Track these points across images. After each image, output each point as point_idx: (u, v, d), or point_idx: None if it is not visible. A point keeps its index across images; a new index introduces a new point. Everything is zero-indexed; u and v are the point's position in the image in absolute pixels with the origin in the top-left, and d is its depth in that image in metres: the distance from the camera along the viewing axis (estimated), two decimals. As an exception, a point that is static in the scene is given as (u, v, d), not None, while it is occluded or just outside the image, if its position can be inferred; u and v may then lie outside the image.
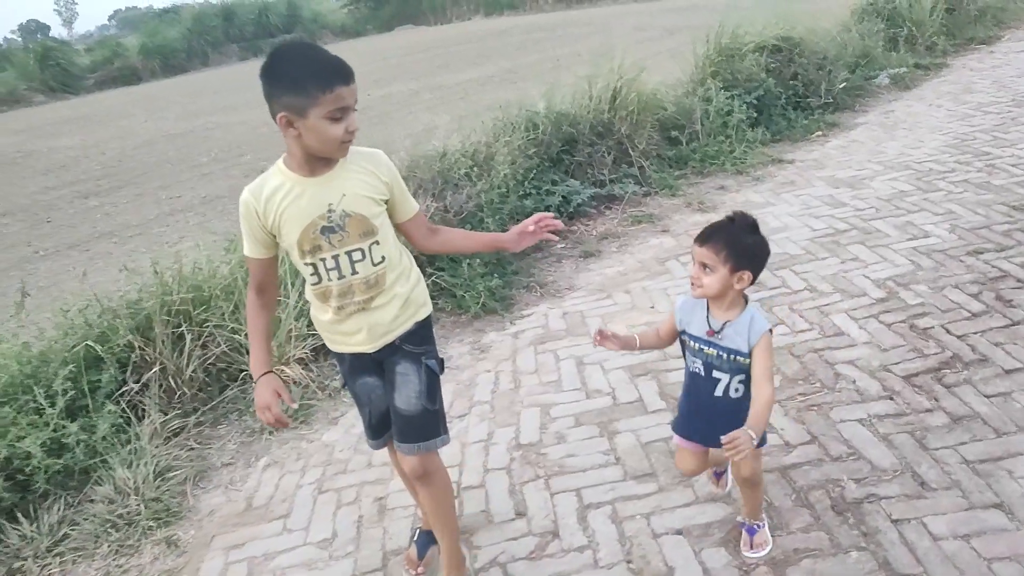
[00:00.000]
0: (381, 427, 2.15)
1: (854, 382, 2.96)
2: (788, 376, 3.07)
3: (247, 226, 1.87)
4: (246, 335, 3.49)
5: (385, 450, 2.28)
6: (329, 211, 1.82)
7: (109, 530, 2.77)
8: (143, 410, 3.32)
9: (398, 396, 2.02)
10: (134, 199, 9.82)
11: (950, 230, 4.14)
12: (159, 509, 2.84)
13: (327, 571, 2.45)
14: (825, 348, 3.22)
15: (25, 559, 2.69)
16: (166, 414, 3.33)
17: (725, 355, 1.95)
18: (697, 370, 2.03)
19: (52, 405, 3.00)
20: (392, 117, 10.75)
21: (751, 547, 2.21)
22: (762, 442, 1.92)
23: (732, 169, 5.67)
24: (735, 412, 1.93)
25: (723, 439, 1.74)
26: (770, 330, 1.93)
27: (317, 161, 1.80)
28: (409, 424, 2.03)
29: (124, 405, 3.26)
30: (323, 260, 1.87)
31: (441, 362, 2.13)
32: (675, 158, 5.83)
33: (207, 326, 3.57)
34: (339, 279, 1.89)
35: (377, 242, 1.89)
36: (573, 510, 2.53)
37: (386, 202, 1.92)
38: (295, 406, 2.16)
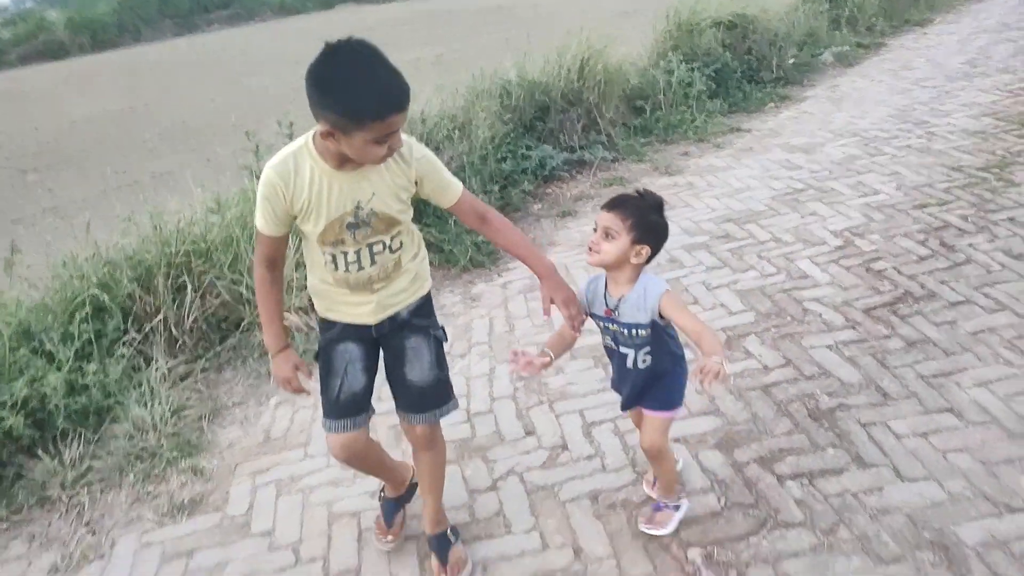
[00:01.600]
0: (347, 408, 1.99)
1: (820, 316, 3.28)
2: (761, 312, 3.38)
3: (269, 205, 1.76)
4: (246, 286, 3.65)
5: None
6: (357, 208, 1.76)
7: (133, 462, 2.89)
8: (148, 358, 3.42)
9: (411, 369, 2.01)
10: (77, 176, 9.60)
11: (897, 188, 4.52)
12: (179, 443, 2.97)
13: (354, 487, 2.63)
14: (793, 288, 3.54)
15: (52, 489, 2.79)
16: (172, 360, 3.43)
17: (626, 331, 1.95)
18: (609, 344, 2.06)
19: (67, 347, 3.08)
20: None
21: (647, 521, 2.23)
22: (672, 406, 2.04)
23: (694, 137, 5.99)
24: (649, 378, 2.01)
25: (693, 375, 1.76)
26: (668, 289, 1.91)
27: (351, 159, 1.71)
28: (424, 395, 2.03)
29: (131, 352, 3.35)
30: (344, 253, 1.83)
31: (445, 332, 2.12)
32: (640, 127, 6.12)
33: (205, 277, 3.67)
34: (358, 271, 1.86)
35: (400, 231, 1.87)
36: (578, 427, 2.78)
37: (414, 193, 1.86)
38: (312, 382, 2.05)
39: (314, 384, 2.05)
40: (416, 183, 1.83)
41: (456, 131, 4.85)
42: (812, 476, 2.40)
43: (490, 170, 4.86)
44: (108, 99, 16.36)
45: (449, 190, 1.89)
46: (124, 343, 3.39)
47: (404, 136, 1.73)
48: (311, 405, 3.16)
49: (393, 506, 2.36)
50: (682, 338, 2.08)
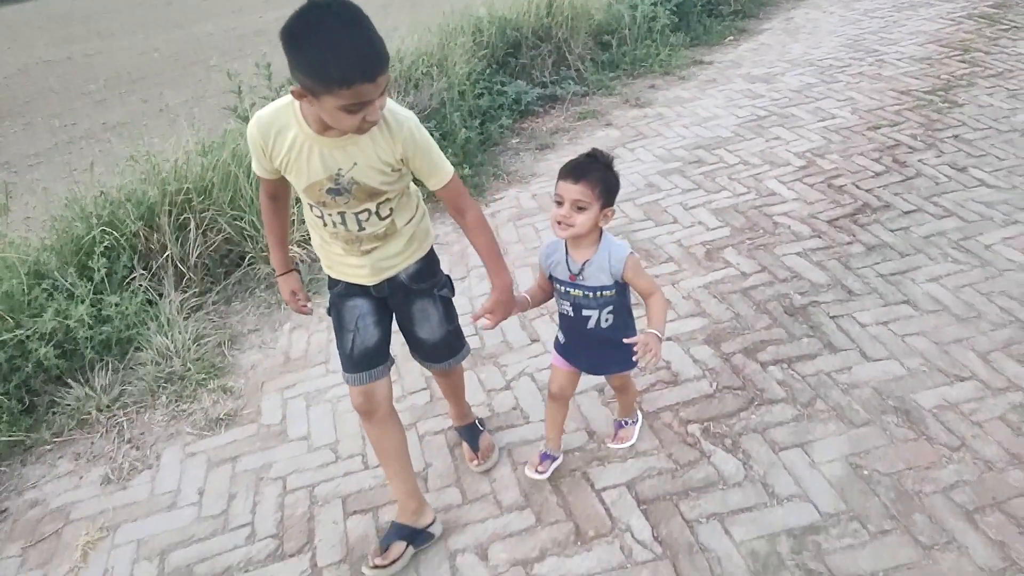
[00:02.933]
0: (363, 360, 1.99)
1: (789, 228, 3.59)
2: (736, 227, 3.67)
3: (253, 153, 1.79)
4: (247, 222, 3.79)
5: None
6: (338, 174, 1.72)
7: (163, 385, 3.08)
8: (158, 293, 3.56)
9: (420, 330, 2.06)
10: (23, 128, 9.36)
11: (852, 112, 4.83)
12: (205, 366, 3.16)
13: (379, 395, 2.87)
14: (763, 205, 3.84)
15: (88, 412, 2.97)
16: (184, 294, 3.58)
17: (591, 293, 1.96)
18: (566, 311, 2.04)
19: (89, 281, 3.22)
20: None
21: (614, 439, 2.45)
22: (633, 365, 1.96)
23: (660, 70, 6.19)
24: (609, 339, 2.02)
25: (632, 345, 1.84)
26: (632, 252, 1.93)
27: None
28: (436, 349, 2.12)
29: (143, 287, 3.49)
30: (329, 214, 1.82)
31: (449, 282, 2.12)
32: (608, 61, 6.29)
33: (206, 215, 3.79)
34: (345, 231, 1.84)
35: (387, 199, 1.81)
36: (579, 333, 3.05)
37: (403, 167, 1.78)
38: (309, 306, 2.12)
39: (312, 305, 2.15)
40: (403, 160, 1.74)
41: (434, 68, 4.96)
42: (790, 361, 2.72)
43: (468, 106, 5.00)
44: (41, 50, 15.70)
45: (435, 175, 1.80)
46: (134, 279, 3.52)
47: (402, 111, 1.71)
48: (325, 328, 3.36)
49: (395, 532, 2.14)
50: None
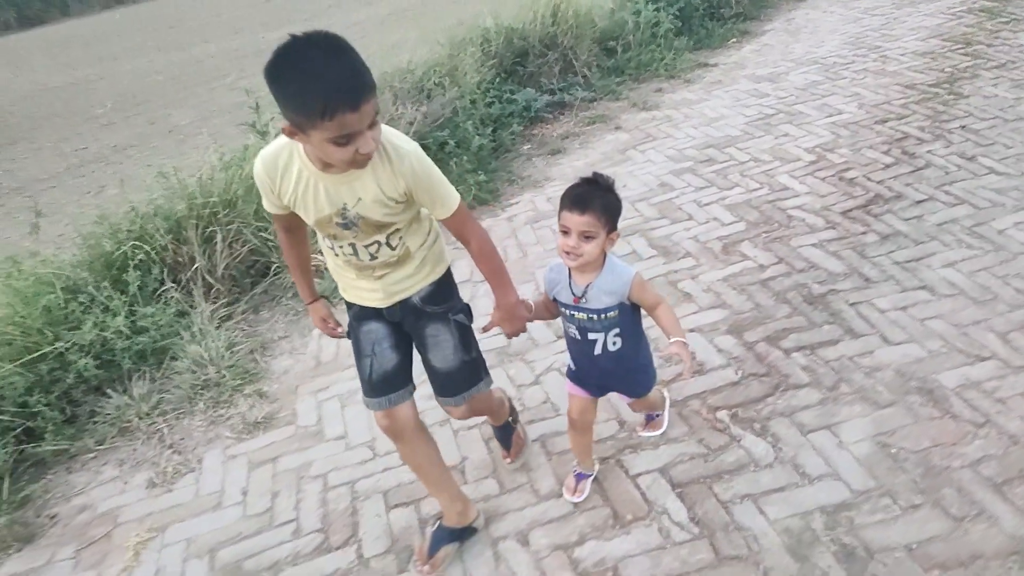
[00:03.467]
0: (382, 386, 1.98)
1: (803, 220, 3.66)
2: (751, 221, 3.74)
3: (262, 191, 1.80)
4: (271, 232, 3.88)
5: None
6: (344, 209, 1.72)
7: (200, 392, 3.16)
8: (189, 304, 3.64)
9: (433, 356, 1.99)
10: (33, 153, 9.52)
11: (859, 107, 4.91)
12: (239, 372, 3.24)
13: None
14: (776, 200, 3.91)
15: (129, 420, 3.05)
16: (214, 304, 3.67)
17: (596, 316, 1.93)
18: (573, 335, 2.02)
19: (122, 294, 3.31)
20: None
21: (645, 427, 2.50)
22: (651, 385, 2.16)
23: (665, 74, 6.28)
24: (618, 362, 2.01)
25: (664, 358, 1.96)
26: (637, 272, 1.93)
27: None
28: (450, 379, 2.02)
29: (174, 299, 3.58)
30: (340, 245, 1.83)
31: (467, 309, 2.05)
32: (613, 67, 6.38)
33: (231, 227, 3.88)
34: (357, 260, 1.85)
35: (396, 229, 1.81)
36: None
37: (407, 200, 1.76)
38: (341, 330, 2.12)
39: (343, 329, 2.12)
40: (406, 194, 1.73)
41: (446, 78, 5.06)
42: (813, 347, 2.79)
43: (480, 114, 5.09)
44: (46, 75, 15.94)
45: (440, 206, 1.77)
46: (165, 292, 3.62)
47: (404, 143, 1.69)
48: (352, 333, 3.44)
49: (443, 536, 2.19)
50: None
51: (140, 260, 3.56)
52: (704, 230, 3.74)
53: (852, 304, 2.99)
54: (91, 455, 2.95)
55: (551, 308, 2.05)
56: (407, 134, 4.48)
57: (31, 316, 3.16)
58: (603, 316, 1.93)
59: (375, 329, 1.97)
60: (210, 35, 17.42)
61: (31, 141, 10.20)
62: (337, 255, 1.86)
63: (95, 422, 3.09)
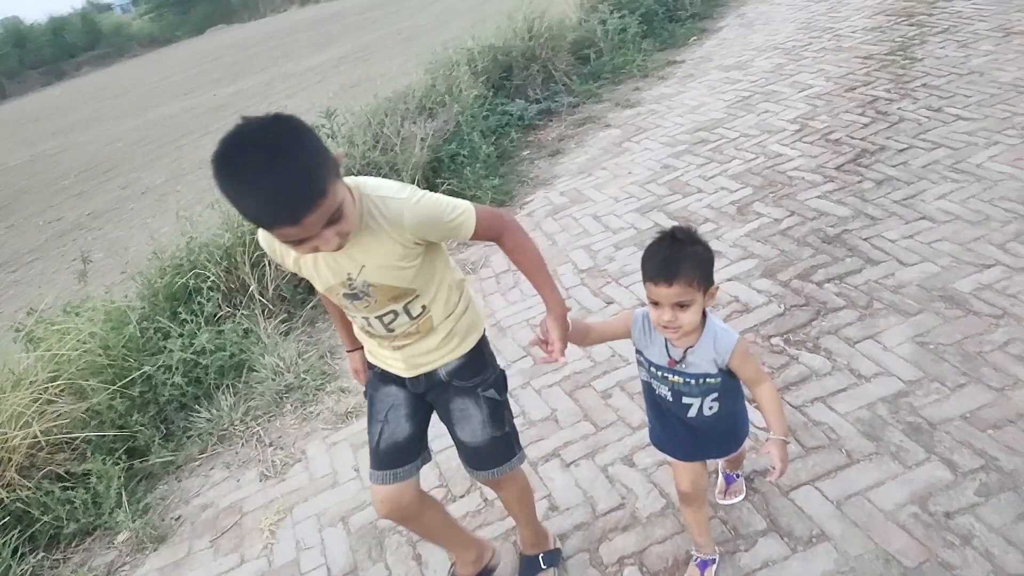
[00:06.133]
0: (388, 459, 1.83)
1: (803, 178, 4.05)
2: (756, 186, 4.12)
3: (274, 258, 1.70)
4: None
5: None
6: (349, 279, 1.59)
7: (285, 395, 3.38)
8: (253, 323, 3.86)
9: (460, 431, 1.85)
10: (8, 230, 9.60)
11: (827, 80, 5.37)
12: (316, 374, 3.47)
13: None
14: (773, 165, 4.30)
15: (225, 429, 3.26)
16: (271, 322, 3.89)
17: (693, 381, 1.72)
18: (664, 395, 1.80)
19: (198, 317, 3.53)
20: (251, 111, 10.88)
21: (725, 494, 2.24)
22: (742, 443, 1.94)
23: (639, 74, 6.72)
24: (713, 427, 1.81)
25: (766, 468, 1.77)
26: (740, 339, 1.70)
27: None
28: (477, 454, 1.87)
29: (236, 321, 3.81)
30: (353, 316, 1.72)
31: (501, 382, 1.88)
32: (591, 73, 6.80)
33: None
34: (371, 329, 1.72)
35: (416, 296, 1.66)
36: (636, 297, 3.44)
37: (426, 247, 1.63)
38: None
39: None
40: (420, 242, 1.59)
41: (446, 95, 5.39)
42: (841, 277, 3.14)
43: (480, 126, 5.43)
44: (3, 155, 15.93)
45: (459, 231, 1.61)
46: (224, 316, 3.84)
47: (393, 197, 1.53)
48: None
49: (529, 566, 2.15)
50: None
51: (197, 289, 3.79)
52: (715, 199, 4.10)
53: (865, 239, 3.36)
54: (196, 463, 3.15)
55: (616, 336, 1.85)
56: (420, 151, 4.81)
57: (116, 346, 3.35)
58: (702, 382, 1.72)
59: (393, 394, 1.84)
60: (162, 99, 17.54)
61: (4, 219, 10.24)
62: (355, 321, 1.75)
63: (189, 436, 3.28)
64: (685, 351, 1.70)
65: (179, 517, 2.89)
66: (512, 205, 4.80)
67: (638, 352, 1.81)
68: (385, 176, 4.80)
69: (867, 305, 2.94)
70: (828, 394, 2.56)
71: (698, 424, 1.79)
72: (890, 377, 2.56)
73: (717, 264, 3.42)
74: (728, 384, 1.74)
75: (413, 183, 4.72)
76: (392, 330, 1.68)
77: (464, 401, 1.82)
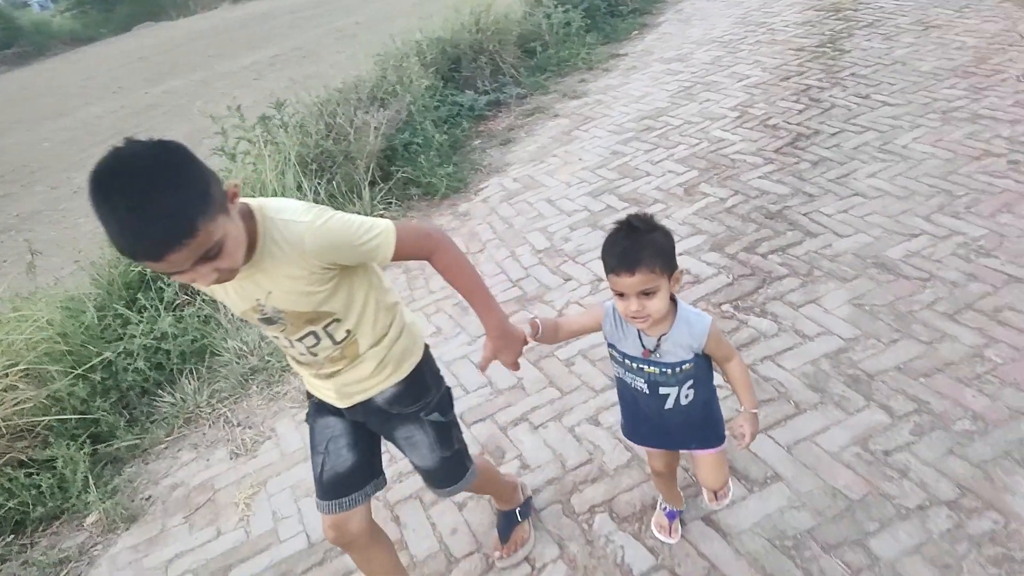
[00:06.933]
0: (332, 490, 1.76)
1: (745, 160, 4.27)
2: (701, 168, 4.32)
3: None
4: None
5: None
6: (259, 305, 1.50)
7: (250, 377, 3.40)
8: (214, 308, 3.86)
9: (411, 455, 1.83)
10: None
11: (763, 71, 5.64)
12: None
13: (452, 342, 3.30)
14: (716, 149, 4.52)
15: (191, 412, 3.26)
16: (231, 308, 3.90)
17: (669, 370, 1.71)
18: (640, 387, 1.77)
19: (158, 303, 3.52)
20: (186, 109, 10.64)
21: (716, 499, 2.15)
22: (723, 436, 1.89)
23: (584, 66, 6.90)
24: (688, 415, 1.80)
25: (735, 438, 1.78)
26: (713, 322, 1.70)
27: None
28: (432, 475, 1.87)
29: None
30: (276, 337, 1.61)
31: (446, 401, 1.82)
32: (537, 66, 6.95)
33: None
34: (299, 354, 1.63)
35: (336, 320, 1.57)
36: (603, 269, 3.58)
37: (341, 270, 1.52)
38: None
39: None
40: (330, 267, 1.49)
41: (397, 86, 5.45)
42: (783, 249, 3.35)
43: (432, 116, 5.51)
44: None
45: (375, 254, 1.51)
46: (184, 303, 3.83)
47: (293, 219, 1.43)
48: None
49: (506, 520, 2.22)
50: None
51: (159, 275, 3.76)
52: (663, 181, 4.29)
53: (804, 214, 3.58)
54: (163, 446, 3.15)
55: (563, 335, 1.80)
56: (374, 139, 4.86)
57: (74, 333, 3.32)
58: (678, 370, 1.70)
59: (332, 425, 1.76)
60: (90, 98, 16.95)
61: (-76, 221, 9.80)
62: (281, 346, 1.66)
63: (153, 420, 3.28)
64: (659, 339, 1.68)
65: (149, 497, 2.89)
66: (467, 192, 4.90)
67: (611, 346, 1.78)
68: (339, 166, 4.89)
69: (808, 273, 3.15)
70: (776, 353, 2.75)
71: (675, 415, 1.78)
72: (831, 336, 2.77)
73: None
74: (701, 367, 1.74)
75: (368, 172, 4.84)
76: (315, 354, 1.59)
77: (408, 428, 1.76)
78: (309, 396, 1.80)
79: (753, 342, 2.83)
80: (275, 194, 4.41)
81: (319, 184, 4.59)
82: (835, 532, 2.06)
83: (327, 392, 1.70)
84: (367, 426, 1.78)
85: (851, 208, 3.54)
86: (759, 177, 4.04)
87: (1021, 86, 4.40)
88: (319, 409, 1.78)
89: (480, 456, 2.34)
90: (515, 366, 1.74)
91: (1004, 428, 2.25)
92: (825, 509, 2.13)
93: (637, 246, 1.53)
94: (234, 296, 1.50)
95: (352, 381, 1.66)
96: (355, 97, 5.35)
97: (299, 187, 4.47)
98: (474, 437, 2.73)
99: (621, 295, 1.58)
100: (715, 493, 2.10)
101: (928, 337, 2.65)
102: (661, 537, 2.16)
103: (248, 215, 1.40)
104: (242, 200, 1.39)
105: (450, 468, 1.85)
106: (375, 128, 4.93)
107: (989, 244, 3.06)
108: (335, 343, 1.58)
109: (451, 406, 1.84)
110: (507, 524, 2.25)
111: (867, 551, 1.99)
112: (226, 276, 1.34)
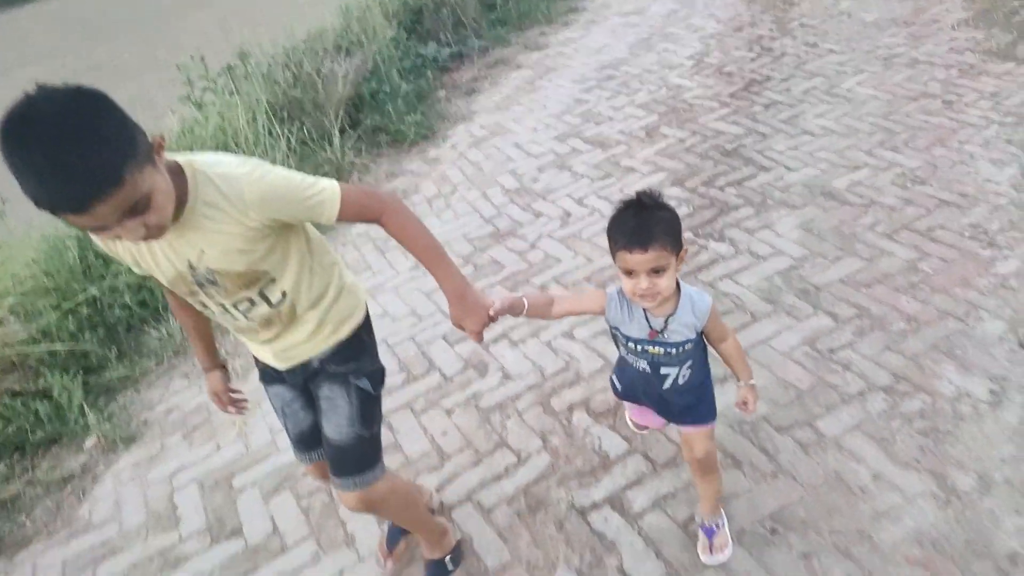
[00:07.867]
0: (303, 445, 1.83)
1: (702, 105, 4.50)
2: (661, 113, 4.54)
3: (112, 255, 1.51)
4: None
5: None
6: (191, 267, 1.42)
7: (235, 312, 3.52)
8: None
9: (326, 424, 1.71)
10: None
11: (717, 22, 5.86)
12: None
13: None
14: (675, 95, 4.73)
15: (179, 345, 3.38)
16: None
17: (674, 350, 1.71)
18: (642, 369, 1.79)
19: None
20: (133, 69, 10.47)
21: (711, 551, 1.97)
22: (715, 413, 1.87)
23: (544, 20, 7.02)
24: (684, 393, 1.81)
25: (738, 408, 1.83)
26: (712, 299, 1.71)
27: None
28: (342, 455, 1.71)
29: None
30: (207, 307, 1.55)
31: (378, 375, 1.76)
32: (498, 19, 7.03)
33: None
34: (233, 321, 1.56)
35: (272, 280, 1.51)
36: (572, 204, 3.79)
37: (278, 228, 1.46)
38: (244, 404, 1.93)
39: (236, 414, 1.96)
40: (270, 223, 1.42)
41: (363, 34, 5.51)
42: (739, 182, 3.60)
43: (397, 66, 5.59)
44: None
45: (318, 212, 1.45)
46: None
47: (233, 171, 1.37)
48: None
49: (398, 530, 2.15)
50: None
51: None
52: (625, 125, 4.49)
53: (758, 151, 3.83)
54: (154, 376, 3.27)
55: (557, 313, 1.79)
56: (342, 88, 4.94)
57: (59, 272, 3.39)
58: (681, 350, 1.72)
59: (281, 393, 1.77)
60: (27, 60, 16.35)
61: None
62: (211, 318, 1.62)
63: (141, 354, 3.38)
64: (667, 320, 1.67)
65: (146, 421, 3.02)
66: (435, 138, 5.02)
67: (614, 329, 1.78)
68: (308, 114, 4.96)
69: (761, 203, 3.40)
70: (733, 272, 3.00)
71: (671, 394, 1.80)
72: (782, 256, 3.03)
73: (633, 179, 3.84)
74: (699, 349, 1.77)
75: (337, 119, 4.93)
76: (251, 319, 1.54)
77: (333, 388, 1.68)
78: (256, 361, 1.78)
79: (713, 263, 3.08)
80: (247, 140, 4.49)
81: (290, 131, 4.67)
82: (787, 416, 2.33)
83: (266, 355, 1.69)
84: (308, 386, 1.75)
85: (800, 145, 3.80)
86: (716, 119, 4.27)
87: (955, 34, 4.71)
88: (265, 378, 1.79)
89: (409, 483, 2.24)
90: (478, 337, 1.62)
91: (934, 327, 2.54)
92: (778, 398, 2.39)
93: (649, 223, 1.52)
94: (163, 261, 1.42)
95: (291, 345, 1.63)
96: (320, 47, 5.39)
97: (270, 132, 4.55)
98: (457, 355, 2.93)
99: (630, 273, 1.56)
100: (710, 543, 1.98)
101: (868, 254, 2.93)
102: (707, 560, 1.97)
103: (177, 171, 1.32)
104: (170, 156, 1.32)
105: (362, 452, 1.72)
106: (343, 77, 5.01)
107: (924, 174, 3.35)
108: (271, 306, 1.54)
109: (382, 383, 1.78)
110: (396, 534, 2.14)
111: (815, 430, 2.26)
112: (154, 233, 1.26)
